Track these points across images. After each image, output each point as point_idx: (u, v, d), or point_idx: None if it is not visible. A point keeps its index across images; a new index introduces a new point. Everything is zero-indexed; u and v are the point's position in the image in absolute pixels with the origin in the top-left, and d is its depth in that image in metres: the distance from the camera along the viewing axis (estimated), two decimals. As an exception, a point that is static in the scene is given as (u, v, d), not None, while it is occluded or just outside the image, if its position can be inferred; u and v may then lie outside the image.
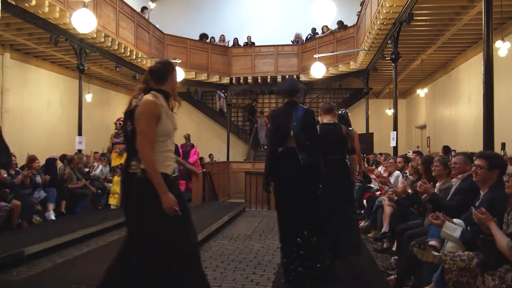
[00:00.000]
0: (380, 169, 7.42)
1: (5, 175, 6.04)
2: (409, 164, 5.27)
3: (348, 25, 11.96)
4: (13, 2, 6.56)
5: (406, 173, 5.63)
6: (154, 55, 11.73)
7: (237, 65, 13.91)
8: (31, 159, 7.06)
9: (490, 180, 2.99)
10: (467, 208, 3.20)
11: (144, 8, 12.15)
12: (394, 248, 4.72)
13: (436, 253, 2.88)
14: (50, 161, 7.54)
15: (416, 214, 4.45)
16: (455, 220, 3.07)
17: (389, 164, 6.54)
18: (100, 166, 8.87)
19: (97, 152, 9.88)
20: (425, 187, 3.65)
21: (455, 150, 7.83)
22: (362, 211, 7.34)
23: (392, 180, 6.07)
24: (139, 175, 2.34)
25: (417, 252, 2.95)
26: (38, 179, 6.95)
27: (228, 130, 14.73)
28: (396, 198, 5.04)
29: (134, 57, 10.55)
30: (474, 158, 3.25)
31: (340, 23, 12.21)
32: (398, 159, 6.19)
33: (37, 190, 6.72)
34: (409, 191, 4.60)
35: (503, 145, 5.94)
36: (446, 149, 9.15)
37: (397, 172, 6.07)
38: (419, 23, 7.55)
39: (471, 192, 3.29)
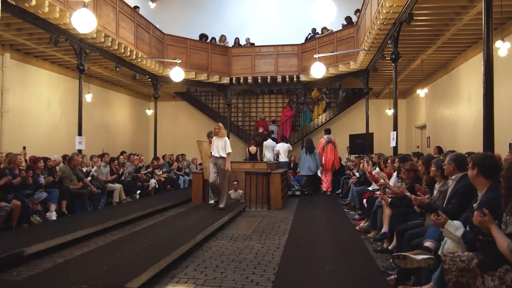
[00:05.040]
0: (377, 170, 7.44)
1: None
2: (402, 169, 5.23)
3: (352, 23, 12.00)
4: (13, 2, 6.57)
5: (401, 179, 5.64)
6: (154, 55, 11.74)
7: (237, 65, 13.91)
8: (35, 160, 7.08)
9: (476, 179, 3.00)
10: (465, 209, 3.21)
11: (135, 7, 12.11)
12: (390, 247, 4.73)
13: (420, 257, 2.89)
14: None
15: (417, 214, 4.46)
16: (454, 221, 3.08)
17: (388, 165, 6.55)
18: (98, 167, 8.88)
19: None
20: (418, 200, 3.69)
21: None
22: (359, 211, 7.39)
23: (392, 180, 6.07)
24: None
25: (398, 263, 2.99)
26: (42, 180, 6.97)
27: (228, 130, 14.73)
28: (390, 200, 5.06)
29: (134, 57, 10.56)
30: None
31: (348, 18, 12.37)
32: (396, 159, 6.18)
33: (39, 191, 6.74)
34: (408, 194, 4.61)
35: (511, 146, 5.95)
36: (439, 150, 9.21)
37: (396, 173, 6.07)
38: (419, 23, 7.55)
39: (467, 193, 3.30)
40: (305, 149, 11.21)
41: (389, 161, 6.67)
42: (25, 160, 7.61)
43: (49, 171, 7.50)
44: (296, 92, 14.36)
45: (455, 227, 2.89)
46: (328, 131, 11.48)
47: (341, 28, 12.55)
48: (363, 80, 11.72)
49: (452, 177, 3.61)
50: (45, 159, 7.59)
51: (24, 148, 8.18)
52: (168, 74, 11.78)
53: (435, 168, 3.97)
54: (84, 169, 8.43)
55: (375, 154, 8.96)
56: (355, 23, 11.62)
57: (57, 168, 7.99)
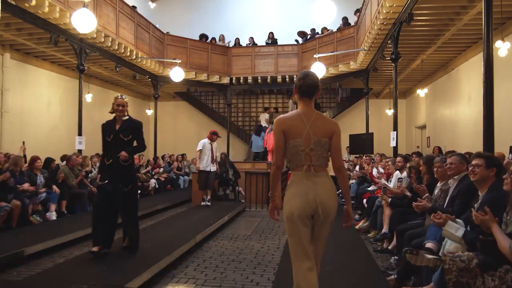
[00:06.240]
0: (375, 170, 7.47)
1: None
2: (407, 164, 5.28)
3: (348, 24, 12.03)
4: (13, 2, 6.57)
5: (402, 178, 5.64)
6: (154, 55, 11.73)
7: (237, 65, 13.91)
8: (33, 160, 7.08)
9: (488, 180, 2.99)
10: (467, 209, 3.20)
11: (133, 7, 12.12)
12: (390, 247, 4.73)
13: (430, 256, 2.88)
14: (47, 163, 7.61)
15: (417, 214, 4.46)
16: (456, 219, 3.07)
17: (388, 166, 6.56)
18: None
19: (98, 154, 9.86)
20: (421, 206, 3.67)
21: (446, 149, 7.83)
22: (359, 211, 7.39)
23: (392, 180, 6.07)
24: None
25: (409, 258, 2.96)
26: (40, 179, 6.96)
27: (228, 130, 14.74)
28: (390, 199, 5.06)
29: (134, 57, 10.55)
30: (471, 158, 3.26)
31: (344, 18, 12.52)
32: (398, 159, 6.18)
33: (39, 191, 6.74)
34: (408, 194, 4.61)
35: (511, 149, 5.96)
36: (439, 150, 9.24)
37: (397, 172, 6.07)
38: (419, 23, 7.55)
39: (470, 193, 3.29)
40: (254, 132, 13.58)
41: (389, 161, 6.69)
42: (24, 156, 7.63)
43: (51, 173, 7.48)
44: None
45: (455, 227, 2.88)
46: (272, 122, 12.77)
47: (341, 25, 12.60)
48: (363, 80, 11.71)
49: (455, 177, 3.60)
50: (47, 160, 7.60)
51: (23, 143, 8.17)
52: (168, 74, 11.78)
53: (444, 168, 3.93)
54: (84, 170, 8.42)
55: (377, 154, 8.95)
56: (355, 23, 11.62)
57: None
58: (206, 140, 8.61)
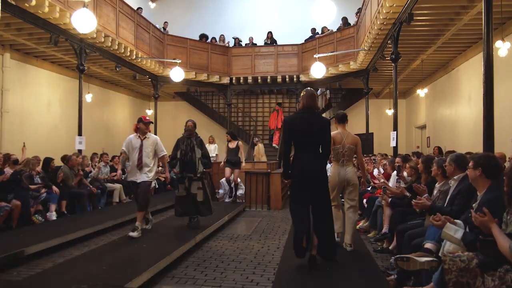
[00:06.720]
0: (376, 171, 7.47)
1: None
2: (407, 165, 5.28)
3: (348, 24, 12.04)
4: (13, 2, 6.57)
5: (400, 178, 5.64)
6: (154, 55, 11.73)
7: (237, 65, 13.92)
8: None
9: (478, 180, 2.99)
10: (467, 209, 3.20)
11: (138, 9, 12.15)
12: (390, 247, 4.73)
13: (423, 259, 2.88)
14: (47, 162, 7.62)
15: (417, 214, 4.46)
16: (455, 220, 3.07)
17: (386, 167, 6.57)
18: (98, 169, 8.86)
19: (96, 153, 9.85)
20: (420, 204, 3.68)
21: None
22: (359, 212, 7.39)
23: (391, 180, 6.07)
24: None
25: (401, 265, 2.99)
26: (38, 179, 6.96)
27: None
28: (390, 199, 5.07)
29: (134, 57, 10.55)
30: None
31: (344, 19, 12.54)
32: (396, 159, 6.18)
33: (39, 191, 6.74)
34: (407, 194, 4.61)
35: None
36: (439, 150, 9.24)
37: (395, 172, 6.06)
38: (419, 23, 7.55)
39: (471, 193, 3.29)
40: None
41: (386, 162, 6.70)
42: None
43: (50, 172, 7.47)
44: (296, 92, 14.35)
45: (454, 229, 2.88)
46: (279, 104, 15.07)
47: (341, 25, 12.61)
48: (363, 80, 11.71)
49: (455, 177, 3.61)
50: (47, 159, 7.60)
51: (24, 144, 8.23)
52: (168, 74, 11.78)
53: (436, 168, 3.97)
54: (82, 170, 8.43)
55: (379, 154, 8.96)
56: (354, 23, 11.62)
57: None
58: (132, 136, 5.72)
